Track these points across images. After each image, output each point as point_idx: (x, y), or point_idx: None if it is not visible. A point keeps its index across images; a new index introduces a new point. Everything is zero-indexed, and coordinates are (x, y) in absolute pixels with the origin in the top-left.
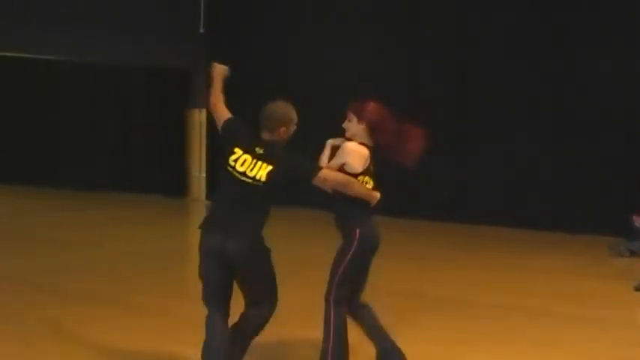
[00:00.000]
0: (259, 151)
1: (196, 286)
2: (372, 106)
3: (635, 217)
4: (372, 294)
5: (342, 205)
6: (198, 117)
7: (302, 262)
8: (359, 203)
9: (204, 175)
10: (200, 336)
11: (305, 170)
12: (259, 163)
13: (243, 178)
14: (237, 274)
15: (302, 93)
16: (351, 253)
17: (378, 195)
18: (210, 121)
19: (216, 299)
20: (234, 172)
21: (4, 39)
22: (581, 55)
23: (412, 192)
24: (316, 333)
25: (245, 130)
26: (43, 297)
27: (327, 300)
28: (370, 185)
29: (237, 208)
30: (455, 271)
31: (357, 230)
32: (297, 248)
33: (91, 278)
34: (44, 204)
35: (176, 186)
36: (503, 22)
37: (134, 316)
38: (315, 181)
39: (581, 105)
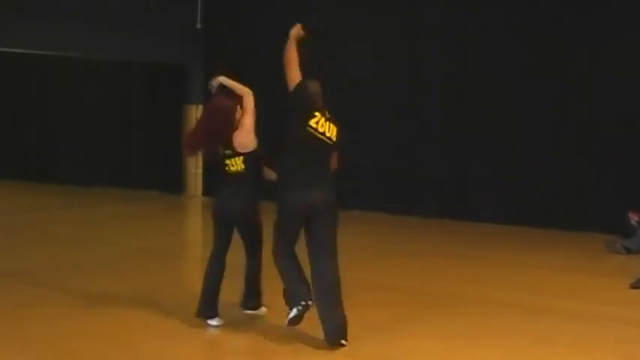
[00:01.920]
0: (327, 114)
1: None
2: None
3: (630, 215)
4: (373, 290)
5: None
6: (196, 113)
7: None
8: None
9: (200, 171)
10: (206, 335)
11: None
12: (330, 125)
13: (323, 138)
14: (315, 223)
15: None
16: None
17: None
18: None
19: (292, 247)
20: (317, 133)
21: (3, 35)
22: (580, 54)
23: (413, 190)
24: None
25: (316, 95)
26: (45, 293)
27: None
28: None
29: (319, 165)
30: (455, 268)
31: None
32: None
33: (97, 274)
34: (44, 200)
35: (174, 182)
36: (503, 20)
37: (139, 313)
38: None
39: (579, 103)
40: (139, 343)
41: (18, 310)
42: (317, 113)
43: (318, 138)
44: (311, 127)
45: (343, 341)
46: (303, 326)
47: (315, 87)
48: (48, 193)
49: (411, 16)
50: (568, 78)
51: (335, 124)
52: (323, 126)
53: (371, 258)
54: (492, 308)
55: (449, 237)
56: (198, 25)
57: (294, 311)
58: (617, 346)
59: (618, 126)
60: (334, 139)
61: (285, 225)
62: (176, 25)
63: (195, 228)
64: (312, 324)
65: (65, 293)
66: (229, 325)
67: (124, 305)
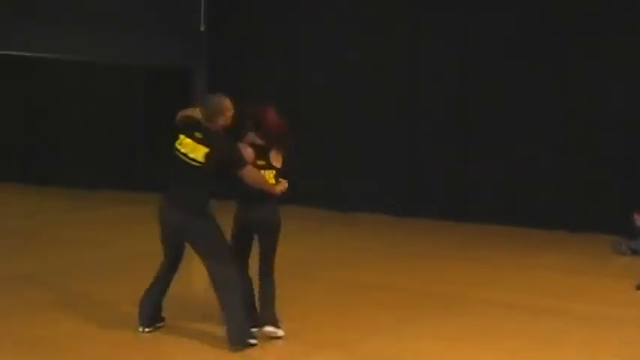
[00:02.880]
0: (198, 135)
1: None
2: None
3: (636, 216)
4: (376, 291)
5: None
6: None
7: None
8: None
9: None
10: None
11: (236, 160)
12: (198, 146)
13: (185, 159)
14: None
15: (304, 90)
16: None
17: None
18: None
19: (166, 258)
20: (178, 153)
21: (6, 38)
22: (581, 54)
23: (417, 192)
24: None
25: (191, 122)
26: (52, 296)
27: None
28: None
29: (181, 184)
30: (460, 270)
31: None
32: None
33: (104, 277)
34: (50, 203)
35: None
36: (504, 21)
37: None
38: (241, 172)
39: (581, 104)
40: (149, 347)
41: (26, 313)
42: (181, 135)
43: (180, 158)
44: (175, 147)
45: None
46: (309, 329)
47: (205, 102)
48: (54, 197)
49: (414, 19)
50: (571, 78)
51: (207, 145)
52: (187, 147)
53: (375, 260)
54: (497, 310)
55: (453, 239)
56: (202, 28)
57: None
58: (622, 347)
59: (624, 126)
60: (199, 159)
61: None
62: (179, 27)
63: None
64: (316, 327)
65: (72, 296)
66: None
67: (131, 308)
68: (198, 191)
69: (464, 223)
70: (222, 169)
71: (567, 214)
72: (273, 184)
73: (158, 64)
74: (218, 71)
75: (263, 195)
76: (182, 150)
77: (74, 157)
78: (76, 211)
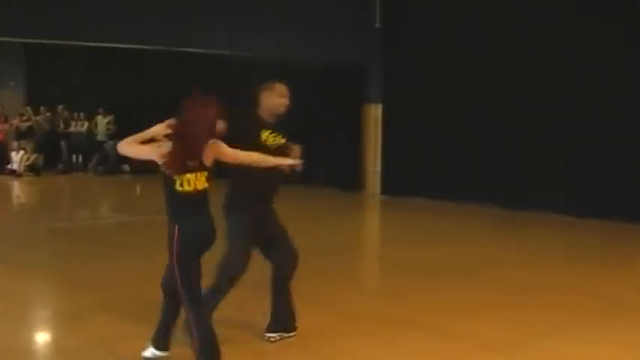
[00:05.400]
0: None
1: None
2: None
3: None
4: (547, 292)
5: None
6: (374, 112)
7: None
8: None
9: (379, 169)
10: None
11: None
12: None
13: None
14: None
15: (476, 85)
16: None
17: None
18: (386, 116)
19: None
20: None
21: (186, 36)
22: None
23: (593, 193)
24: None
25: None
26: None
27: None
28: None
29: None
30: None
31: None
32: None
33: None
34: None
35: (352, 180)
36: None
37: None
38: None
39: None
40: (324, 343)
41: None
42: None
43: None
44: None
45: None
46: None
47: None
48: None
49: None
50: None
51: None
52: None
53: (545, 260)
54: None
55: (632, 240)
56: (377, 25)
57: None
58: None
59: None
60: None
61: None
62: (354, 24)
63: (373, 225)
64: (486, 326)
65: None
66: None
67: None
68: None
69: None
70: None
71: None
72: None
73: (334, 61)
74: (392, 67)
75: None
76: None
77: None
78: None
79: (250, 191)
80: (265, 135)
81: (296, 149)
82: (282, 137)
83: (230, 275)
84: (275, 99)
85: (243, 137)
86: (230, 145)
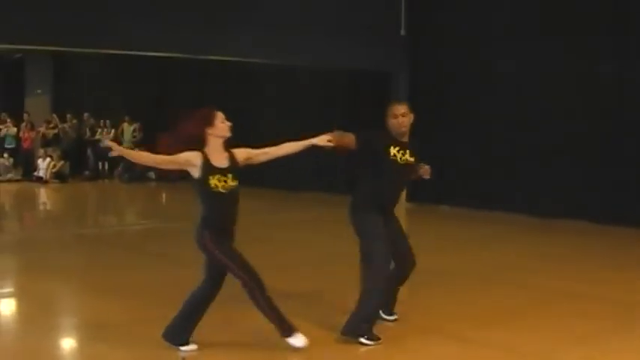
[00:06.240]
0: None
1: None
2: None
3: None
4: (577, 301)
5: None
6: None
7: None
8: None
9: None
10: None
11: None
12: None
13: None
14: None
15: (501, 93)
16: None
17: None
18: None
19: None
20: None
21: (208, 43)
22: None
23: (617, 199)
24: None
25: None
26: None
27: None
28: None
29: None
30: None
31: None
32: None
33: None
34: (254, 204)
35: None
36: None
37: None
38: None
39: None
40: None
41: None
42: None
43: None
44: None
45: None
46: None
47: None
48: (258, 198)
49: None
50: None
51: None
52: None
53: (573, 268)
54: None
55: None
56: (403, 32)
57: None
58: None
59: None
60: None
61: None
62: (380, 32)
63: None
64: (516, 333)
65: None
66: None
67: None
68: None
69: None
70: None
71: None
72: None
73: (359, 68)
74: (417, 75)
75: None
76: None
77: (277, 160)
78: (279, 212)
79: (375, 192)
80: (394, 151)
81: (426, 168)
82: (411, 156)
83: (381, 276)
84: (391, 119)
85: (365, 149)
86: (355, 156)
